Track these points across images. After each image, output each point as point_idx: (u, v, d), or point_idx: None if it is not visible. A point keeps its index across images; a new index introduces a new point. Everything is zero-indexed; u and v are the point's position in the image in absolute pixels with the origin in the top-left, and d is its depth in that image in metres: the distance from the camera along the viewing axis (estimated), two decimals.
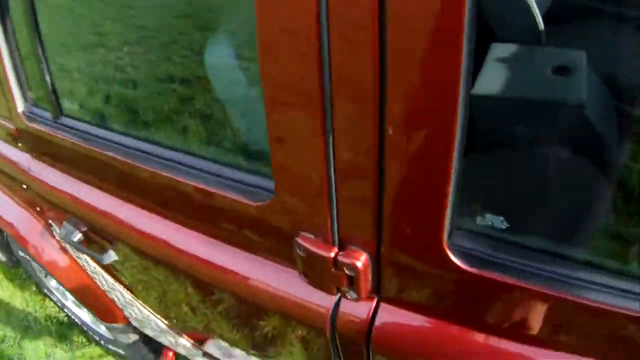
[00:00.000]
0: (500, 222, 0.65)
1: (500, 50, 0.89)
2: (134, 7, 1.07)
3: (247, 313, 1.04)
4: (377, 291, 0.78)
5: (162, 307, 1.29)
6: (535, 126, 0.83)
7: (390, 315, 0.79)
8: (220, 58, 0.95)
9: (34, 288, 2.49)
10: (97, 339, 1.96)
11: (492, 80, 0.84)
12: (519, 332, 0.70)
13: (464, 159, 0.58)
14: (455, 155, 0.56)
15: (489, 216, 0.65)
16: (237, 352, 1.31)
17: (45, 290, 2.14)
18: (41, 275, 2.07)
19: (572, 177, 0.81)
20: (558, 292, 0.62)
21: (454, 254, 0.64)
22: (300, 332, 0.97)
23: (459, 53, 0.50)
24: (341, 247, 0.73)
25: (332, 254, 0.72)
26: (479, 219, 0.66)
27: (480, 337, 0.74)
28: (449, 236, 0.65)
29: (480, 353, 0.75)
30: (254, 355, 1.30)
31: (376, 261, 0.72)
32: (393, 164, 0.60)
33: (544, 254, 0.67)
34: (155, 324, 1.37)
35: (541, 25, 0.96)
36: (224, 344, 1.32)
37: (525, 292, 0.63)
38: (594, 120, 0.81)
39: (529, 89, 0.86)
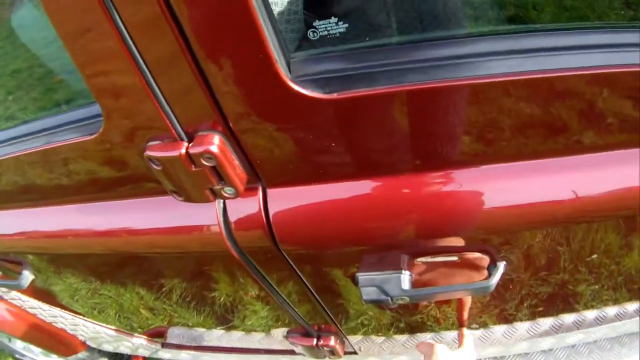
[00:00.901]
0: (334, 25, 0.55)
1: None
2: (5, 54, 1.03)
3: (157, 274, 0.93)
4: (257, 178, 0.68)
5: (96, 309, 1.18)
6: None
7: (282, 199, 0.69)
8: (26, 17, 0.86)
9: None
10: None
11: None
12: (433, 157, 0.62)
13: None
14: None
15: (320, 24, 0.55)
16: (199, 331, 1.21)
17: (18, 356, 2.01)
18: (6, 341, 1.94)
19: None
20: (440, 81, 0.53)
21: (303, 87, 0.55)
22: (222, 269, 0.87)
23: None
24: (191, 140, 0.63)
25: (183, 150, 0.62)
26: (311, 34, 0.56)
27: (390, 181, 0.66)
28: (290, 71, 0.56)
29: (393, 198, 0.66)
30: (221, 329, 1.20)
31: (234, 141, 0.62)
32: (190, 20, 0.50)
33: (404, 45, 0.58)
34: (106, 334, 1.25)
35: None
36: (181, 330, 1.22)
37: (404, 96, 0.54)
38: None
39: None
